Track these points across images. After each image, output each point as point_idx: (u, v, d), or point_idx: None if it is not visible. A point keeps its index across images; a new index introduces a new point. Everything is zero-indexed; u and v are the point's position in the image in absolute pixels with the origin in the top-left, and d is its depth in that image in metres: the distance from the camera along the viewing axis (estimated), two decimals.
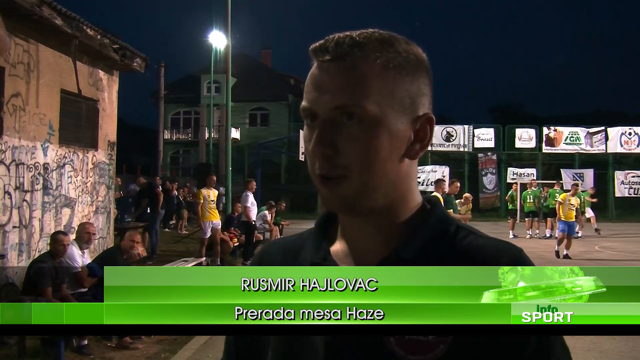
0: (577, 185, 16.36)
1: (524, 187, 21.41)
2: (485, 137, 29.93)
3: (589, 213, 20.61)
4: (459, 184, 12.33)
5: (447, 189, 11.86)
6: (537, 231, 19.37)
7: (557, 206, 14.98)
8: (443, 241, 0.92)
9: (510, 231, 19.21)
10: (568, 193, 14.86)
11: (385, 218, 0.93)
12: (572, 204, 14.31)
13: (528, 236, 19.12)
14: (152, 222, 12.90)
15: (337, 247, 0.97)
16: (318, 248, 0.97)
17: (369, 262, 0.91)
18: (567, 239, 14.10)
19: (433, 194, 11.17)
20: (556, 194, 18.71)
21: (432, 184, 12.51)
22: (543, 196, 19.54)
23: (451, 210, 13.01)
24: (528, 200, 19.73)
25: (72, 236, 6.59)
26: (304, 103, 0.91)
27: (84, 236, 6.61)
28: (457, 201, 13.39)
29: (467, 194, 14.81)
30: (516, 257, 0.90)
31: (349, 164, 0.87)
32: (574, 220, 14.38)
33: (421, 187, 26.16)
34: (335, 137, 0.87)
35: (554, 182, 21.12)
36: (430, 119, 0.93)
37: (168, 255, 12.69)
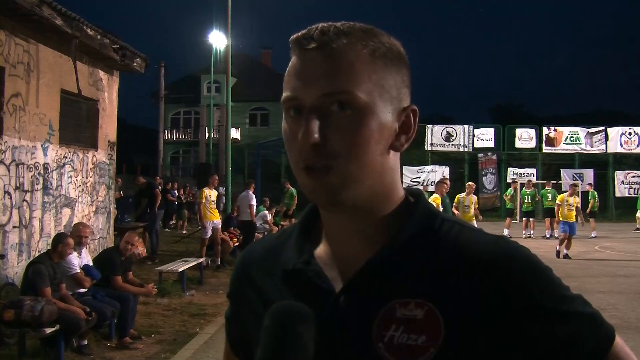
0: (575, 185, 16.35)
1: (522, 187, 21.47)
2: (485, 137, 29.90)
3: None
4: (446, 184, 12.35)
5: (447, 190, 11.90)
6: (533, 231, 19.39)
7: (555, 207, 14.97)
8: (428, 238, 0.89)
9: (506, 230, 19.31)
10: (565, 194, 14.81)
11: (369, 215, 0.89)
12: (570, 204, 14.30)
13: (523, 236, 19.15)
14: (151, 223, 12.89)
15: (321, 249, 0.93)
16: (301, 251, 0.93)
17: (354, 265, 0.88)
18: (567, 239, 14.10)
19: (433, 195, 11.17)
20: (548, 194, 18.82)
21: (432, 184, 12.50)
22: (538, 198, 19.76)
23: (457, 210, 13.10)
24: (526, 201, 19.78)
25: None
26: (286, 93, 0.87)
27: (76, 238, 6.56)
28: (462, 194, 13.38)
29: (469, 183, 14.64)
30: (496, 246, 0.87)
31: (336, 153, 0.84)
32: (573, 220, 14.36)
33: (421, 188, 26.11)
34: (324, 126, 0.84)
35: (545, 182, 21.18)
36: (415, 110, 0.91)
37: (168, 255, 12.69)
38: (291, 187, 18.37)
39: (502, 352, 0.83)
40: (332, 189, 0.85)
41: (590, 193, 21.27)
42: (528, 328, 0.83)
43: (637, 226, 21.37)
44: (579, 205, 15.09)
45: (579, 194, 21.70)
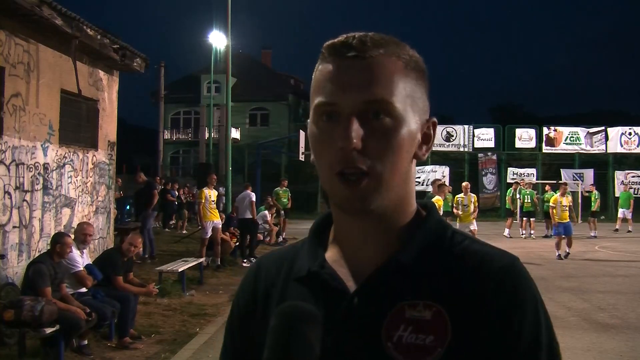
0: (565, 184, 16.26)
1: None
2: (485, 137, 29.93)
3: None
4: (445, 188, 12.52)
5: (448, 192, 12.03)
6: (533, 231, 19.37)
7: (550, 210, 14.95)
8: (440, 247, 0.92)
9: (507, 229, 19.30)
10: (557, 194, 14.71)
11: (387, 221, 0.92)
12: (564, 205, 14.26)
13: (523, 236, 19.15)
14: (143, 223, 12.83)
15: (332, 253, 0.96)
16: (315, 256, 0.96)
17: (367, 268, 0.91)
18: (567, 238, 14.08)
19: (435, 197, 11.19)
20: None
21: (431, 184, 12.54)
22: (540, 198, 19.81)
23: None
24: (526, 200, 19.76)
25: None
26: (322, 99, 0.89)
27: (80, 237, 6.59)
28: (460, 195, 13.42)
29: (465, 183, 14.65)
30: (511, 265, 0.90)
31: (372, 160, 0.87)
32: (568, 220, 14.32)
33: (421, 187, 26.15)
34: (362, 132, 0.86)
35: (552, 182, 21.17)
36: (435, 122, 0.96)
37: (168, 255, 12.69)
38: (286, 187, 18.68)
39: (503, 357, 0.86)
40: (366, 196, 0.88)
41: (593, 194, 21.24)
42: (513, 349, 0.86)
43: (616, 227, 21.32)
44: (571, 204, 15.06)
45: (579, 195, 21.72)
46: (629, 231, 21.03)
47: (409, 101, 0.90)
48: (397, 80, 0.89)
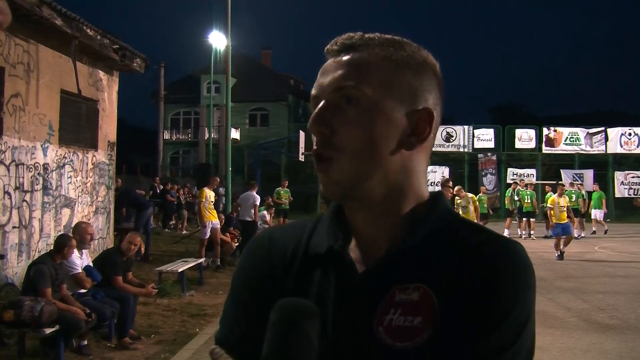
0: (562, 185, 16.21)
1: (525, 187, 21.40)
2: (485, 137, 29.94)
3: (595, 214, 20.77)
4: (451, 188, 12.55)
5: (450, 195, 12.06)
6: (533, 231, 19.34)
7: (548, 212, 14.92)
8: (444, 235, 0.92)
9: (506, 230, 19.27)
10: (554, 195, 14.65)
11: (388, 210, 0.93)
12: (562, 206, 14.25)
13: (523, 236, 19.12)
14: (135, 226, 12.81)
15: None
16: (335, 236, 0.96)
17: (374, 255, 0.92)
18: (566, 238, 14.07)
19: None
20: (572, 195, 18.74)
21: (431, 184, 12.54)
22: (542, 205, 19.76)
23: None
24: (526, 201, 19.72)
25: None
26: (311, 92, 0.96)
27: (85, 237, 6.59)
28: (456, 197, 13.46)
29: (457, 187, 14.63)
30: (509, 247, 0.89)
31: (342, 145, 0.89)
32: (566, 221, 14.30)
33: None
34: (332, 117, 0.91)
35: (552, 182, 21.04)
36: (430, 112, 0.94)
37: (168, 255, 12.69)
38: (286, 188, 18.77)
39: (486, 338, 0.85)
40: (340, 184, 0.91)
41: (580, 194, 20.89)
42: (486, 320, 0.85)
43: (594, 229, 20.60)
44: (568, 204, 15.04)
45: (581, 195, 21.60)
46: (605, 231, 20.49)
47: (385, 88, 0.91)
48: (371, 67, 0.91)
